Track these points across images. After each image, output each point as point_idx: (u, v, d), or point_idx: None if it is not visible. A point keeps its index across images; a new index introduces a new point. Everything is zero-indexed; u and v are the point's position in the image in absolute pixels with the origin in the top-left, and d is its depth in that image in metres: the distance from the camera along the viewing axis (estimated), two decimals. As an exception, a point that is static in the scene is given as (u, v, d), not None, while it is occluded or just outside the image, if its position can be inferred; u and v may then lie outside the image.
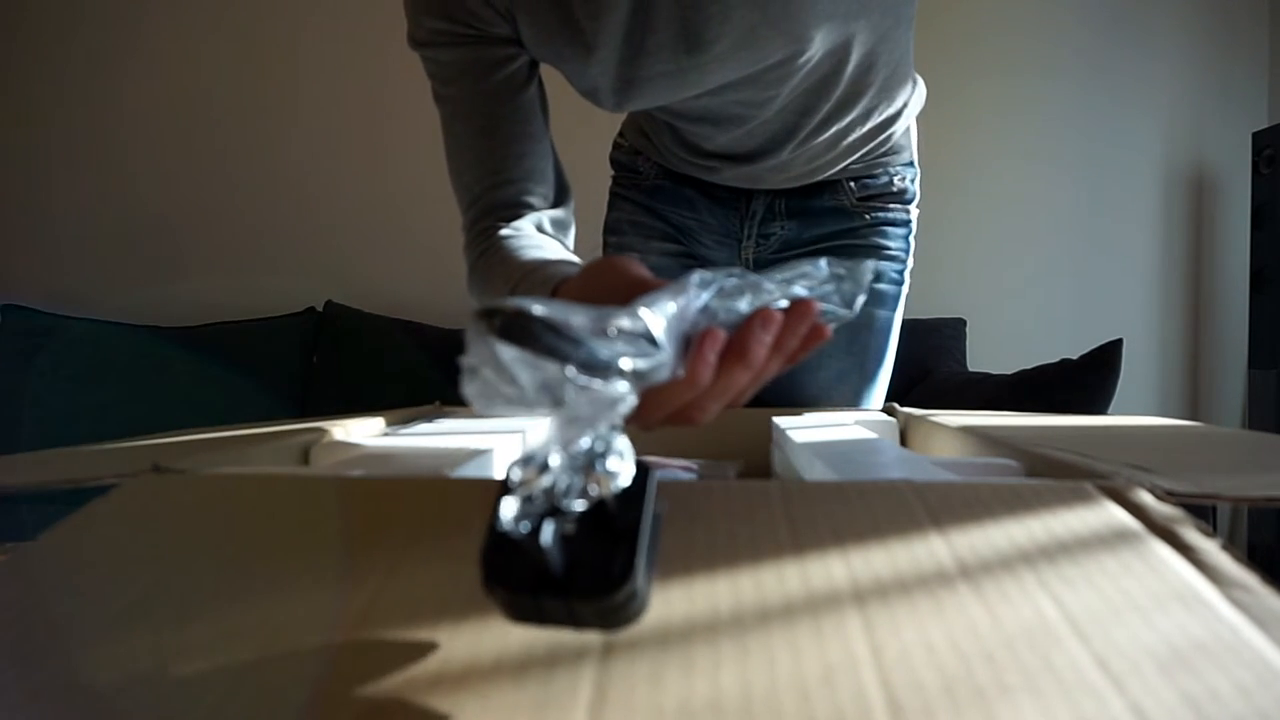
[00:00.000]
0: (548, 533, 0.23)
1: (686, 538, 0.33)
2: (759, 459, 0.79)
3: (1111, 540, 0.32)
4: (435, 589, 0.30)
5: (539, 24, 0.72)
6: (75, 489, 0.42)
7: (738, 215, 0.98)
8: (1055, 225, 2.31)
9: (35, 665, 0.26)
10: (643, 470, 0.26)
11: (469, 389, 0.28)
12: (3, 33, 2.37)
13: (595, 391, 0.26)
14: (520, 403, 0.28)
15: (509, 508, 0.23)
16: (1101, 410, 1.61)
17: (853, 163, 0.92)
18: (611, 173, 1.05)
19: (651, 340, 0.30)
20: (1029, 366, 1.80)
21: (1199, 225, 2.33)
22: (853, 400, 0.98)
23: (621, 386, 0.27)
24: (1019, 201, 2.30)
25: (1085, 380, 1.64)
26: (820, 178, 0.94)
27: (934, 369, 2.06)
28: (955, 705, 0.23)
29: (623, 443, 0.26)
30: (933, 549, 0.32)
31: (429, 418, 0.80)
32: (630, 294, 0.40)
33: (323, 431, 0.62)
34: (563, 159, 0.79)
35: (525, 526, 0.23)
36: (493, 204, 0.73)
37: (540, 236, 0.73)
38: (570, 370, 0.25)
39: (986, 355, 2.20)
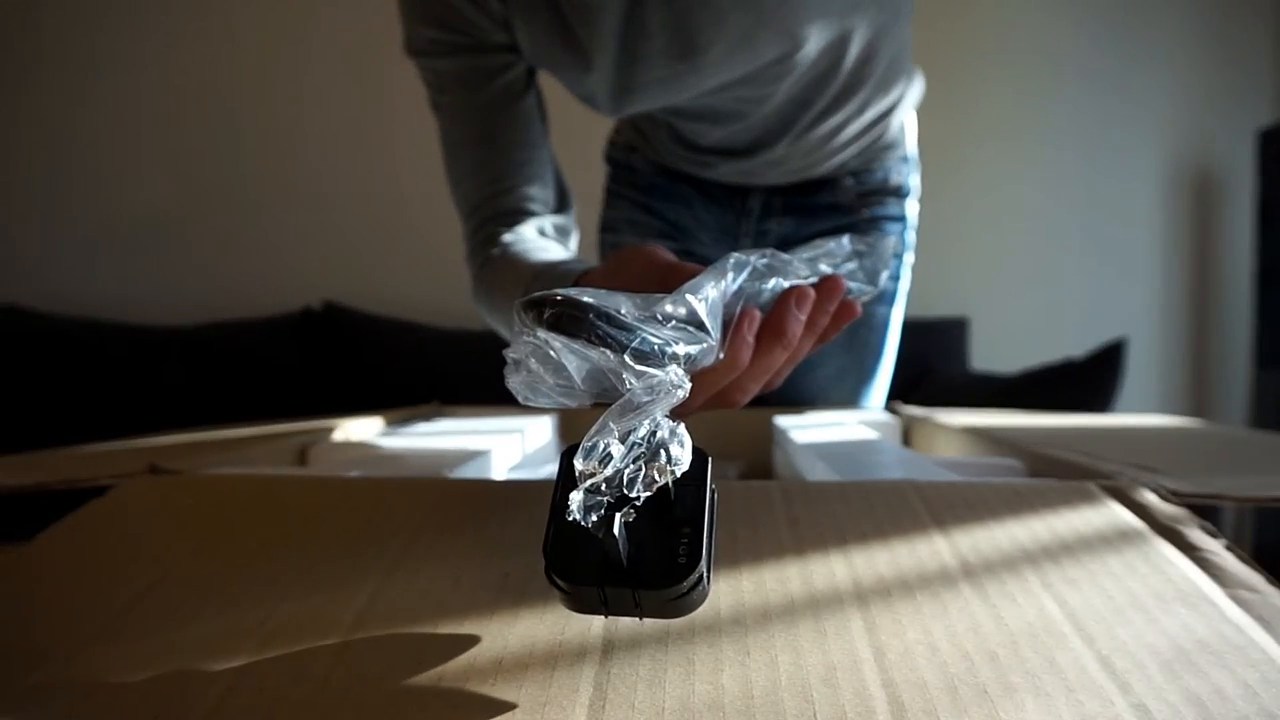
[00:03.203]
0: (615, 524, 0.23)
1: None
2: (760, 459, 0.78)
3: (1115, 540, 0.32)
4: (434, 589, 0.30)
5: (535, 32, 0.71)
6: (73, 489, 0.42)
7: (734, 212, 0.97)
8: (1059, 224, 2.30)
9: (34, 664, 0.26)
10: (701, 456, 0.26)
11: (513, 381, 0.27)
12: (3, 33, 2.38)
13: (653, 378, 0.26)
14: (568, 394, 0.27)
15: (576, 500, 0.23)
16: (1105, 410, 1.60)
17: (849, 158, 0.91)
18: (607, 170, 1.04)
19: (699, 325, 0.30)
20: (1032, 366, 1.80)
21: (1203, 223, 2.33)
22: (852, 398, 0.97)
23: (678, 372, 0.27)
24: (1022, 200, 2.29)
25: (1089, 380, 1.64)
26: (817, 173, 0.93)
27: (937, 368, 2.05)
28: (958, 705, 0.23)
29: (681, 428, 0.26)
30: (935, 549, 0.32)
31: (428, 418, 0.80)
32: (664, 279, 0.40)
33: (321, 432, 0.62)
34: (557, 156, 0.78)
35: (593, 519, 0.23)
36: (494, 212, 0.72)
37: (544, 240, 0.73)
38: (627, 358, 0.25)
39: (990, 354, 2.19)
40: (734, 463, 0.78)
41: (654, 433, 0.25)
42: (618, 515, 0.23)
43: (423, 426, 0.74)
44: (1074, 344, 1.89)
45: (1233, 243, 2.29)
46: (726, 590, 0.29)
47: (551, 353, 0.26)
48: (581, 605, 0.25)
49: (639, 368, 0.26)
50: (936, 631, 0.26)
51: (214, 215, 2.39)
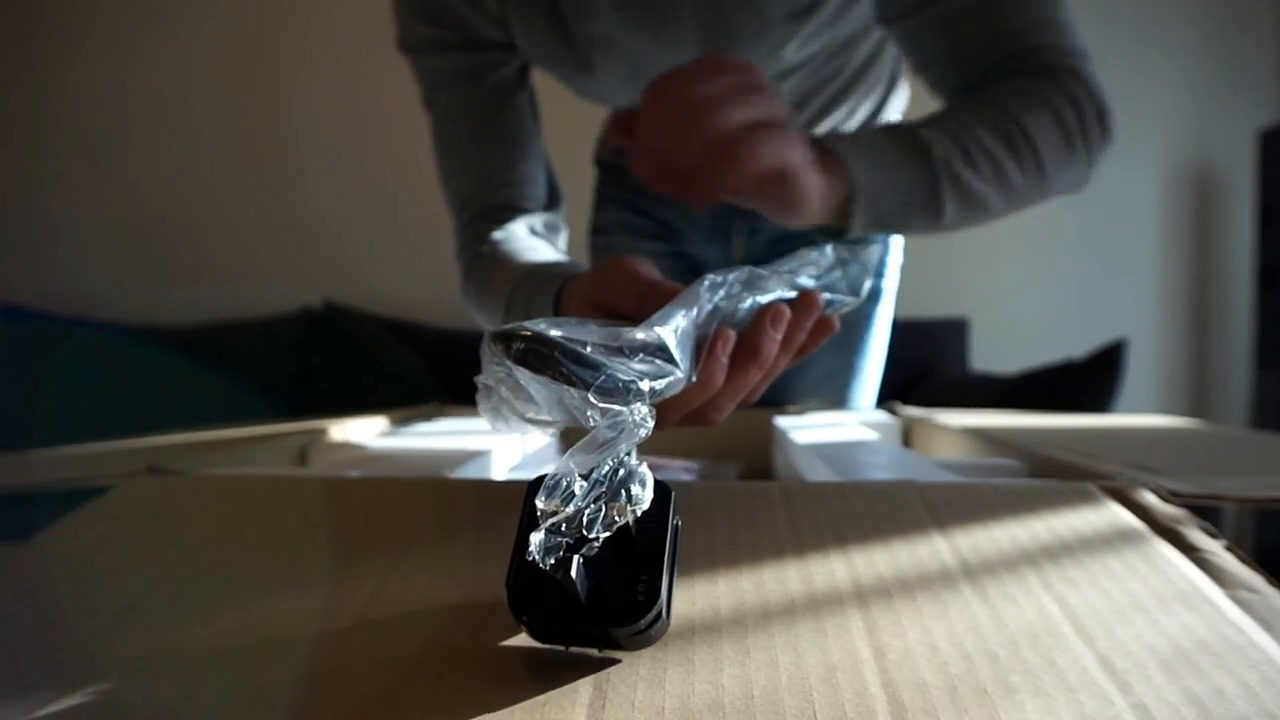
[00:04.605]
0: (574, 565, 0.23)
1: (687, 538, 0.33)
2: (760, 460, 0.78)
3: (1115, 541, 0.32)
4: (433, 589, 0.30)
5: (535, 35, 0.71)
6: (73, 489, 0.42)
7: (726, 211, 0.96)
8: (1058, 224, 2.30)
9: (34, 664, 0.26)
10: (664, 491, 0.26)
11: (484, 406, 0.28)
12: (4, 34, 2.38)
13: (618, 414, 0.26)
14: (537, 421, 0.28)
15: (536, 540, 0.23)
16: (1106, 410, 1.60)
17: None
18: (596, 173, 1.04)
19: (668, 357, 0.30)
20: (1032, 366, 1.80)
21: (1203, 223, 2.33)
22: (842, 397, 0.98)
23: (642, 409, 0.27)
24: (1022, 201, 2.30)
25: (1089, 380, 1.64)
26: None
27: (936, 369, 2.05)
28: (958, 705, 0.23)
29: (643, 468, 0.26)
30: (935, 549, 0.32)
31: (428, 418, 0.80)
32: (642, 296, 0.40)
33: (321, 432, 0.62)
34: (550, 158, 0.78)
35: (551, 560, 0.23)
36: (484, 208, 0.73)
37: (533, 239, 0.73)
38: (591, 396, 0.26)
39: (989, 355, 2.19)
40: (734, 463, 0.78)
41: (616, 471, 0.25)
42: (575, 557, 0.24)
43: (423, 426, 0.74)
44: (1074, 344, 1.89)
45: (1233, 243, 2.29)
46: (726, 590, 0.29)
47: (520, 383, 0.26)
48: (540, 636, 0.25)
49: (603, 405, 0.26)
50: (936, 631, 0.26)
51: (214, 215, 2.39)
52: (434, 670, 0.25)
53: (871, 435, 0.63)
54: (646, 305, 0.36)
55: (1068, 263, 2.31)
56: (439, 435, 0.66)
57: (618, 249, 0.98)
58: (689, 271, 0.93)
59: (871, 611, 0.27)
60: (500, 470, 0.58)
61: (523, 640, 0.26)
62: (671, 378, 0.30)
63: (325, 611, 0.29)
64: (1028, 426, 0.64)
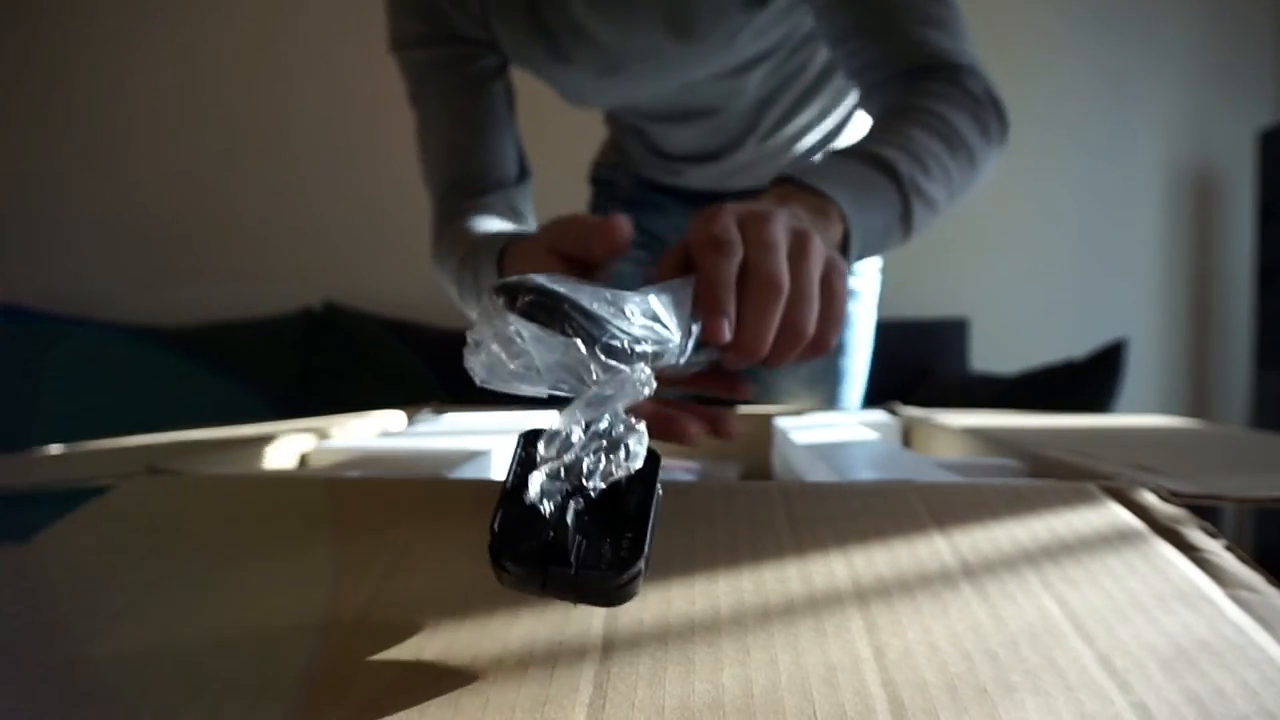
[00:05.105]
0: (568, 511, 0.24)
1: (688, 538, 0.33)
2: (760, 460, 0.78)
3: (1115, 540, 0.32)
4: (433, 589, 0.30)
5: (515, 32, 0.76)
6: (73, 489, 0.42)
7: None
8: (1058, 224, 2.30)
9: (34, 663, 0.26)
10: (653, 456, 0.27)
11: (472, 361, 0.28)
12: (4, 34, 2.38)
13: (620, 373, 0.26)
14: (528, 379, 0.28)
15: (536, 483, 0.24)
16: (1106, 410, 1.60)
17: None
18: (590, 191, 1.09)
19: (661, 323, 0.31)
20: (1032, 366, 1.80)
21: (1203, 223, 2.33)
22: (828, 397, 1.00)
23: (644, 370, 0.27)
24: (1022, 200, 2.29)
25: (1089, 380, 1.64)
26: None
27: (936, 369, 2.05)
28: (958, 704, 0.23)
29: (641, 426, 0.26)
30: (935, 549, 0.32)
31: (427, 418, 0.80)
32: (595, 228, 0.42)
33: (320, 432, 0.62)
34: (550, 174, 0.83)
35: (548, 504, 0.24)
36: (457, 183, 0.79)
37: (493, 215, 0.77)
38: (598, 351, 0.26)
39: (989, 355, 2.19)
40: (734, 463, 0.78)
41: (615, 427, 0.26)
42: (571, 503, 0.24)
43: (423, 426, 0.74)
44: (1074, 344, 1.89)
45: (1233, 243, 2.29)
46: (726, 590, 0.29)
47: (518, 340, 0.26)
48: (519, 585, 0.25)
49: (608, 362, 0.26)
50: (936, 631, 0.26)
51: (214, 215, 2.39)
52: (434, 670, 0.25)
53: (871, 435, 0.63)
54: (594, 239, 0.42)
55: (1068, 263, 2.31)
56: (439, 435, 0.66)
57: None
58: None
59: (871, 611, 0.27)
60: (500, 470, 0.58)
61: (523, 639, 0.26)
62: (669, 344, 0.30)
63: (326, 611, 0.29)
64: (1028, 426, 0.64)
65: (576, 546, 0.24)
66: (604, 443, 0.25)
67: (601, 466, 0.25)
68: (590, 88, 0.83)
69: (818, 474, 0.51)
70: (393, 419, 0.76)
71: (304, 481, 0.44)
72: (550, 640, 0.26)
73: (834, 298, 0.41)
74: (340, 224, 2.37)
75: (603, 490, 0.25)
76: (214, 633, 0.28)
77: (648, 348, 0.29)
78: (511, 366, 0.27)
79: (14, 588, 0.32)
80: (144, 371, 1.98)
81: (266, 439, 0.56)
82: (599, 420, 0.26)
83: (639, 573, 0.25)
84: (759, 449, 0.78)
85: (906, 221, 0.56)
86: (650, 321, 0.30)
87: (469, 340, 0.28)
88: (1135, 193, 2.31)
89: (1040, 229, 2.31)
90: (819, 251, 0.41)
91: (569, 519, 0.24)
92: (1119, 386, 1.61)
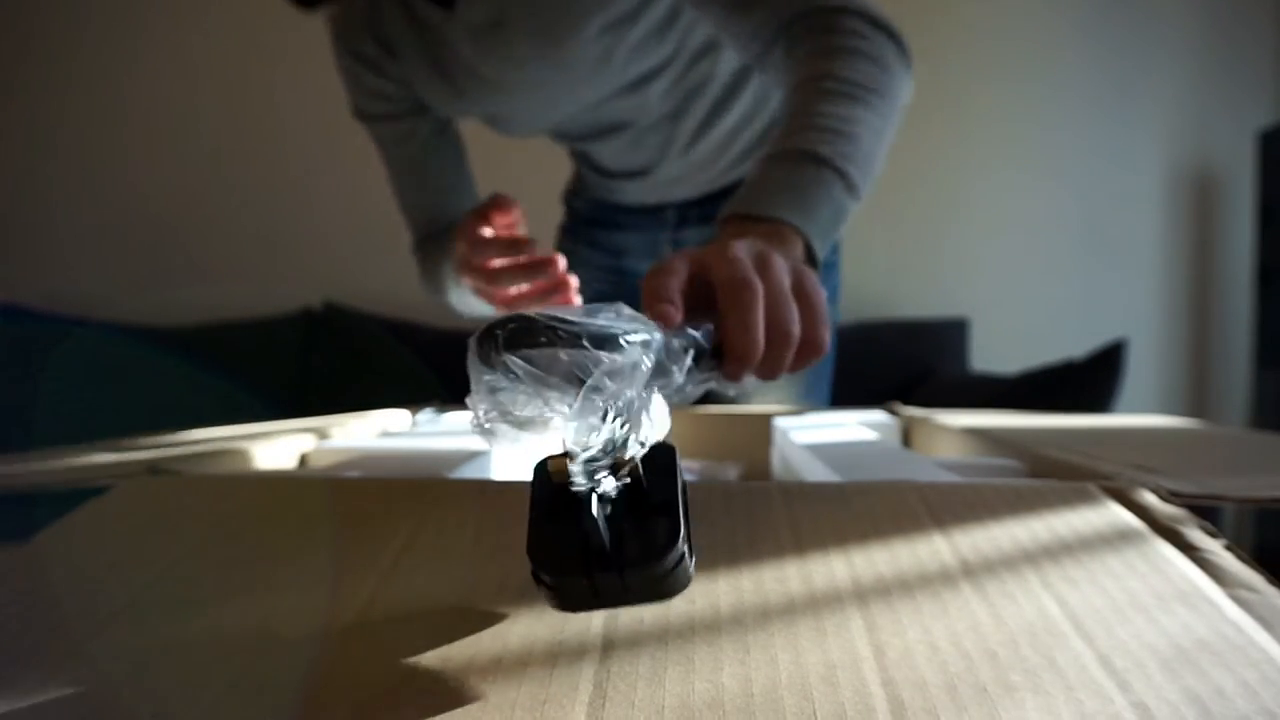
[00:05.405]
0: (593, 506, 0.24)
1: (687, 537, 0.33)
2: (760, 460, 0.78)
3: (1115, 540, 0.32)
4: (433, 589, 0.30)
5: (419, 79, 0.88)
6: (73, 489, 0.42)
7: (655, 227, 1.06)
8: (1059, 224, 2.30)
9: (34, 663, 0.26)
10: (667, 448, 0.27)
11: (491, 441, 0.28)
12: (4, 34, 2.38)
13: (615, 360, 0.26)
14: (539, 420, 0.28)
15: (577, 470, 0.25)
16: (1106, 410, 1.60)
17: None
18: (563, 211, 1.17)
19: (641, 322, 0.31)
20: (1032, 366, 1.80)
21: (1203, 223, 2.32)
22: (788, 395, 1.02)
23: (636, 349, 0.28)
24: (1022, 200, 2.29)
25: (1089, 380, 1.64)
26: (725, 183, 1.00)
27: (937, 369, 2.05)
28: (958, 704, 0.23)
29: (657, 397, 0.27)
30: (935, 548, 0.32)
31: (428, 418, 0.80)
32: (491, 204, 0.66)
33: (320, 432, 0.62)
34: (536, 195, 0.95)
35: (578, 516, 0.24)
36: (424, 225, 0.97)
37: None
38: (585, 343, 0.26)
39: (990, 355, 2.19)
40: (734, 463, 0.78)
41: (631, 403, 0.26)
42: (594, 496, 0.24)
43: (423, 426, 0.74)
44: (1074, 344, 1.89)
45: (1233, 243, 2.29)
46: (726, 590, 0.29)
47: (517, 382, 0.26)
48: (572, 601, 0.25)
49: (599, 353, 0.26)
50: (936, 631, 0.26)
51: (213, 215, 2.39)
52: (434, 670, 0.25)
53: (871, 435, 0.63)
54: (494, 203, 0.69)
55: (1068, 263, 2.31)
56: (439, 435, 0.66)
57: (578, 263, 1.12)
58: (629, 280, 1.10)
59: (871, 611, 0.27)
60: (500, 470, 0.58)
61: (523, 639, 0.26)
62: (646, 333, 0.30)
63: (325, 611, 0.29)
64: (1028, 426, 0.64)
65: (615, 547, 0.24)
66: (625, 417, 0.26)
67: (631, 438, 0.25)
68: (512, 121, 0.93)
69: (818, 474, 0.51)
70: (396, 418, 0.76)
71: (304, 481, 0.44)
72: (550, 640, 0.26)
73: (809, 297, 0.43)
74: (340, 224, 2.37)
75: (625, 489, 0.25)
76: (214, 633, 0.28)
77: (637, 336, 0.29)
78: (521, 414, 0.27)
79: (14, 588, 0.32)
80: (144, 371, 1.98)
81: (266, 439, 0.56)
82: (615, 400, 0.26)
83: (682, 556, 0.25)
84: (759, 449, 0.78)
85: (853, 193, 0.57)
86: (630, 321, 0.30)
87: (478, 427, 0.28)
88: (1135, 193, 2.31)
89: (1040, 229, 2.31)
90: (780, 262, 0.43)
91: (601, 525, 0.24)
92: (1119, 386, 1.61)
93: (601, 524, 0.24)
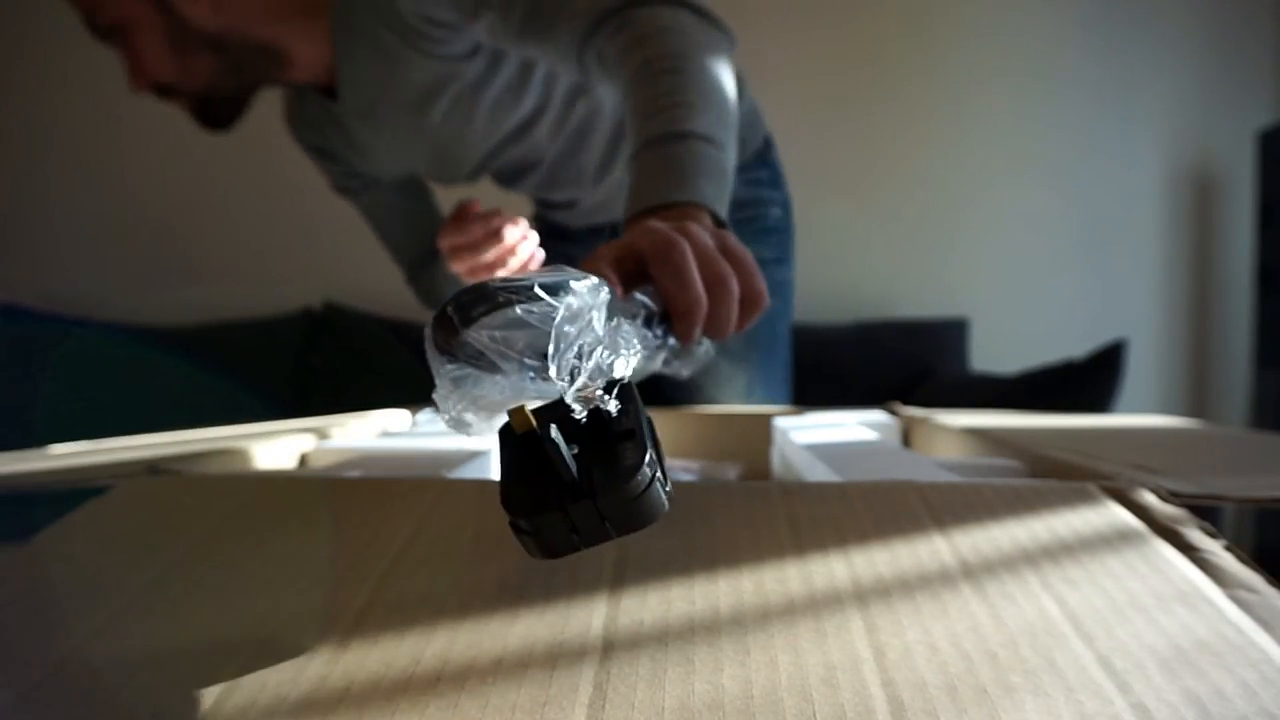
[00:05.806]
0: (566, 457, 0.25)
1: (687, 538, 0.33)
2: (760, 460, 0.78)
3: (1115, 540, 0.32)
4: (433, 589, 0.30)
5: (343, 154, 1.01)
6: (73, 489, 0.42)
7: (598, 243, 1.11)
8: (1059, 224, 2.30)
9: (34, 663, 0.26)
10: (625, 385, 0.28)
11: (462, 430, 0.28)
12: (3, 34, 2.38)
13: (571, 303, 0.27)
14: (498, 404, 0.28)
15: (571, 393, 0.26)
16: (1106, 410, 1.60)
17: None
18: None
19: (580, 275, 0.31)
20: (1032, 367, 1.80)
21: (1203, 223, 2.33)
22: (745, 394, 1.04)
23: (591, 280, 0.28)
24: (1022, 200, 2.29)
25: (1089, 381, 1.64)
26: None
27: (937, 369, 2.05)
28: (958, 705, 0.23)
29: (626, 325, 0.28)
30: (935, 549, 0.32)
31: (429, 417, 0.80)
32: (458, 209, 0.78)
33: (320, 432, 0.62)
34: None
35: (545, 454, 0.25)
36: (416, 251, 1.11)
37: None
38: (538, 290, 0.26)
39: (990, 355, 2.19)
40: (734, 463, 0.78)
41: (606, 331, 0.27)
42: (552, 425, 0.25)
43: (423, 426, 0.74)
44: (1074, 344, 1.89)
45: (1233, 243, 2.29)
46: (726, 590, 0.29)
47: (475, 345, 0.26)
48: (552, 543, 0.25)
49: (554, 300, 0.27)
50: (936, 631, 0.26)
51: (213, 215, 2.39)
52: (434, 670, 0.25)
53: (871, 435, 0.63)
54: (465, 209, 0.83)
55: (1068, 263, 2.31)
56: (439, 435, 0.66)
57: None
58: None
59: (871, 611, 0.27)
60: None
61: (523, 640, 0.26)
62: (603, 288, 0.31)
63: (325, 611, 0.29)
64: (1028, 426, 0.64)
65: (584, 477, 0.25)
66: (604, 343, 0.26)
67: (616, 357, 0.26)
68: (438, 176, 1.04)
69: (818, 474, 0.51)
70: (396, 418, 0.76)
71: (304, 481, 0.44)
72: (550, 640, 0.26)
73: (734, 251, 0.46)
74: (340, 224, 2.36)
75: (590, 429, 0.26)
76: (214, 633, 0.28)
77: (585, 284, 0.29)
78: (491, 398, 0.27)
79: (14, 588, 0.32)
80: (144, 371, 1.97)
81: (266, 439, 0.56)
82: (585, 332, 0.26)
83: (653, 478, 0.25)
84: (759, 449, 0.78)
85: (723, 150, 0.59)
86: (577, 275, 0.30)
87: (450, 420, 0.28)
88: (1135, 193, 2.31)
89: (1040, 229, 2.31)
90: (697, 227, 0.46)
91: (568, 460, 0.25)
92: (1119, 386, 1.61)
93: (569, 459, 0.25)
